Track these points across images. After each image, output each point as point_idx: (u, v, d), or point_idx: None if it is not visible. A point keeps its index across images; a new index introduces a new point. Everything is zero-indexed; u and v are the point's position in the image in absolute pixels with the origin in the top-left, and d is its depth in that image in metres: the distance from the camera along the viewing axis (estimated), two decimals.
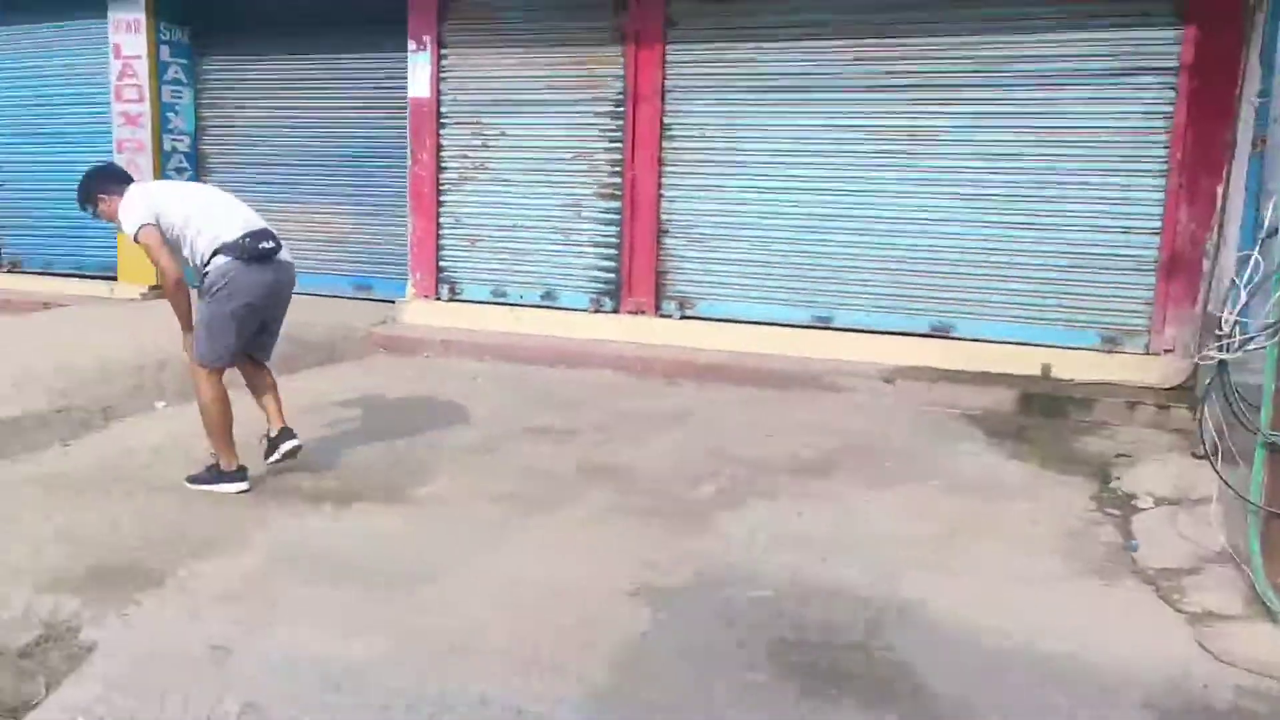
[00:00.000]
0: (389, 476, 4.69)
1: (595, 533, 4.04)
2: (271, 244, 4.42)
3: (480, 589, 3.49)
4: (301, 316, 8.23)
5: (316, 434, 5.28)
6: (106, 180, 4.55)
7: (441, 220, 8.19)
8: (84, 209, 4.55)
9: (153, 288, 9.02)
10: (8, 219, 10.12)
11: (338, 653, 3.03)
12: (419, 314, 8.17)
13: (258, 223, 4.50)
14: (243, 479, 4.44)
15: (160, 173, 9.08)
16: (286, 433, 4.69)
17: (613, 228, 7.69)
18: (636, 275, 7.60)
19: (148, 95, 8.96)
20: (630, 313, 7.63)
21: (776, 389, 6.59)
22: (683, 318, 7.49)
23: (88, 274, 9.64)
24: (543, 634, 3.16)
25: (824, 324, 7.14)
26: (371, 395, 6.28)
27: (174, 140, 9.18)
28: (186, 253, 4.44)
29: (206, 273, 4.37)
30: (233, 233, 4.36)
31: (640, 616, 3.30)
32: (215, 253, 4.35)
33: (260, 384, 4.77)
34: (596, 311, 7.73)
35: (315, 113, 9.03)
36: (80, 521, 3.99)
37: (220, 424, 4.40)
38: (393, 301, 8.43)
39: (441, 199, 8.17)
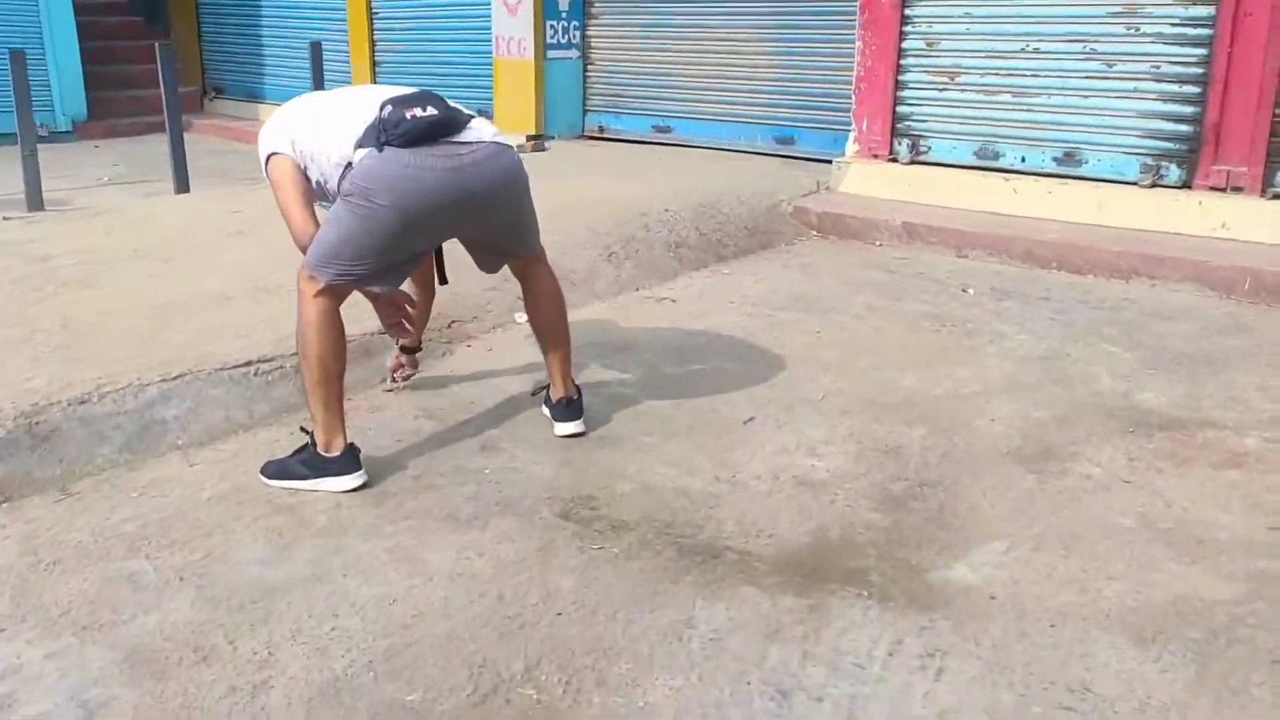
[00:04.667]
0: (883, 527, 2.52)
1: None
2: (433, 111, 2.55)
3: None
4: (700, 182, 6.05)
5: (711, 399, 3.22)
6: None
7: (905, 44, 5.68)
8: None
9: (530, 137, 7.44)
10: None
11: None
12: (864, 181, 5.83)
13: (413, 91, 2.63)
14: (352, 470, 2.65)
15: (541, 13, 7.29)
16: (564, 409, 2.99)
17: (1194, 49, 4.79)
18: (1231, 126, 4.71)
19: None
20: (1214, 188, 4.80)
21: None
22: None
23: None
24: None
25: None
26: (799, 316, 4.11)
27: None
28: (322, 184, 2.71)
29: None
30: (370, 114, 2.57)
31: None
32: (355, 151, 2.58)
33: (538, 327, 3.07)
34: (1154, 185, 4.96)
35: None
36: (390, 590, 2.22)
37: (319, 369, 2.63)
38: (825, 161, 6.14)
39: (907, 13, 5.63)
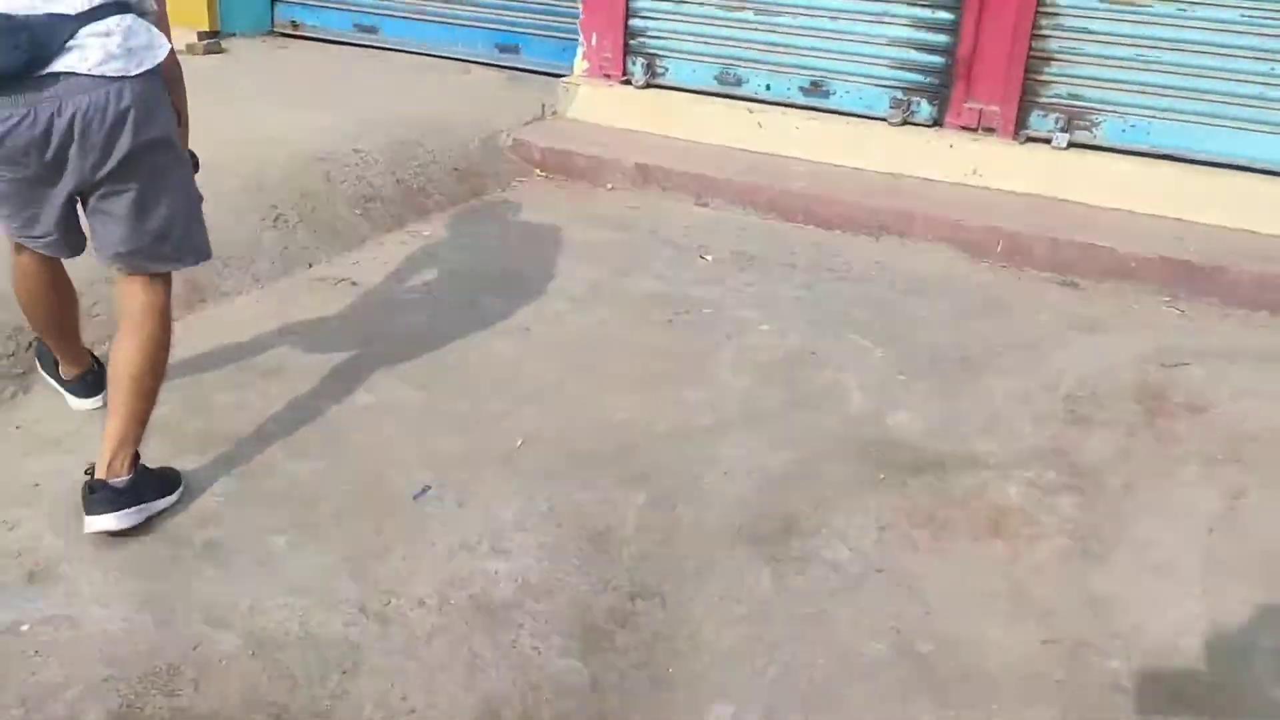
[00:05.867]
0: (578, 690, 1.90)
1: None
2: None
3: None
4: (404, 105, 4.86)
5: (376, 457, 2.48)
6: None
7: None
8: None
9: (202, 35, 6.14)
10: None
11: None
12: (594, 106, 5.06)
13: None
14: (92, 393, 2.54)
15: None
16: (95, 497, 2.13)
17: None
18: (983, 58, 4.25)
19: None
20: (966, 128, 4.37)
21: None
22: (1071, 145, 4.20)
23: None
24: None
25: None
26: (507, 302, 3.38)
27: None
28: None
29: None
30: None
31: None
32: None
33: (118, 369, 2.20)
34: (905, 123, 4.47)
35: None
36: None
37: (34, 316, 2.49)
38: (555, 75, 5.32)
39: None
